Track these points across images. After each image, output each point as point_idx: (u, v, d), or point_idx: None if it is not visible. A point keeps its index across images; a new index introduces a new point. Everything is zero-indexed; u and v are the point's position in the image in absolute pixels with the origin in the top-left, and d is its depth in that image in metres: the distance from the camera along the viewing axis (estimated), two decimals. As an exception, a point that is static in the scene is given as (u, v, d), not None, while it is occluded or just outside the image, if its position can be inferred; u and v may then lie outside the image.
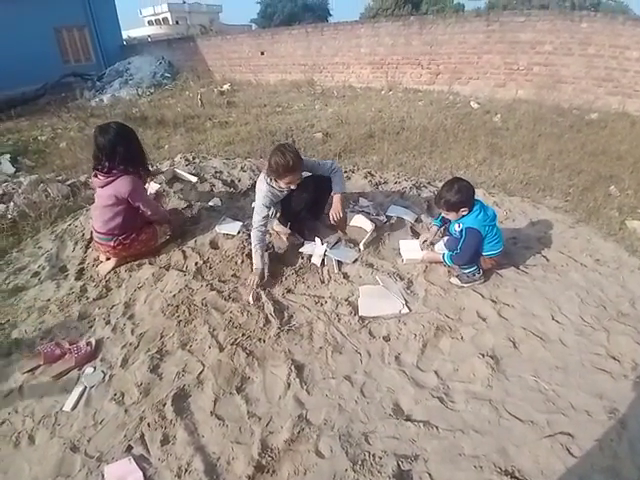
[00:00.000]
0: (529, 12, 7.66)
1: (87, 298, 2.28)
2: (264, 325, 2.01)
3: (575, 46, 6.96)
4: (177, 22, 41.34)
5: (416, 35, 8.84)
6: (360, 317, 2.06)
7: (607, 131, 5.25)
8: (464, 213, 2.21)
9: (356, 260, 2.51)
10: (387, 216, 2.92)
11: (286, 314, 2.10)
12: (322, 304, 2.17)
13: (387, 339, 1.94)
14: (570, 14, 7.24)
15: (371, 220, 2.76)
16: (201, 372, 1.76)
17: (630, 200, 3.33)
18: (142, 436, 1.52)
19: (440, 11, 20.49)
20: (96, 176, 2.39)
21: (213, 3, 47.01)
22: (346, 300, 2.19)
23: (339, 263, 2.49)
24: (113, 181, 2.35)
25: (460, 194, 2.17)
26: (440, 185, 3.47)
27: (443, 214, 2.34)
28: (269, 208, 2.46)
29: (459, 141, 4.89)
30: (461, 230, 2.22)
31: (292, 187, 2.41)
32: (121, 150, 2.33)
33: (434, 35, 8.57)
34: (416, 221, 2.92)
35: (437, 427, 1.52)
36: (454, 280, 2.31)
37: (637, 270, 2.41)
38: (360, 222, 2.79)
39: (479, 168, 4.01)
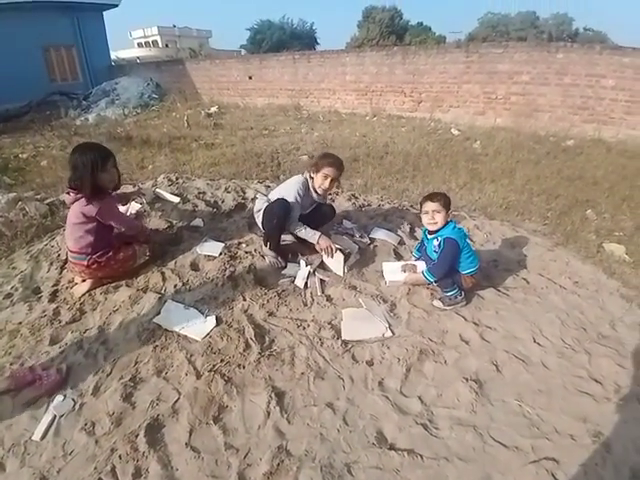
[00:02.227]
0: (507, 44, 8.04)
1: (60, 322, 2.17)
2: (244, 350, 1.95)
3: (551, 76, 7.30)
4: (167, 45, 42.04)
5: (399, 64, 9.17)
6: (343, 341, 2.03)
7: (583, 157, 5.46)
8: (449, 219, 2.31)
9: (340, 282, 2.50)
10: (370, 238, 2.93)
11: (267, 338, 2.04)
12: (304, 328, 2.13)
13: (370, 364, 1.90)
14: (547, 45, 7.63)
15: (354, 242, 2.77)
16: (176, 401, 1.68)
17: (607, 223, 3.43)
18: (113, 468, 1.43)
19: (422, 42, 21.48)
20: (68, 193, 2.34)
21: (203, 28, 48.12)
22: (329, 323, 2.16)
23: (322, 284, 2.47)
24: (82, 198, 2.28)
25: (447, 197, 2.33)
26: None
27: (427, 220, 2.33)
28: (299, 205, 2.61)
29: (440, 166, 5.01)
30: (439, 243, 2.26)
31: (328, 188, 2.66)
32: None
33: (416, 65, 8.91)
34: (399, 243, 2.94)
35: (421, 456, 1.48)
36: (437, 303, 2.31)
37: (616, 292, 2.46)
38: (344, 244, 2.79)
39: (460, 192, 4.09)
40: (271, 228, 2.59)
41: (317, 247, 2.58)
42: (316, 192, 2.68)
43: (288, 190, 2.61)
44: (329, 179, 2.60)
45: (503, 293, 2.43)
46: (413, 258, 2.61)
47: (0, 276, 2.62)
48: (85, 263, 2.34)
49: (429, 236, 2.39)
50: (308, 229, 2.59)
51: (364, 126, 7.98)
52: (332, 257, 2.54)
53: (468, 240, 2.40)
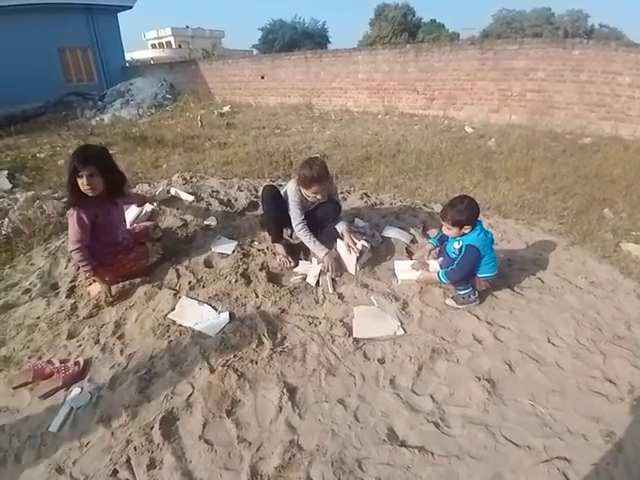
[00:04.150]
0: (522, 40, 7.90)
1: (77, 316, 2.24)
2: (257, 346, 1.97)
3: (567, 73, 7.16)
4: (180, 46, 42.44)
5: (412, 62, 9.09)
6: (354, 338, 2.03)
7: (600, 155, 5.34)
8: (466, 231, 2.22)
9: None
10: (383, 237, 2.93)
11: (279, 335, 2.07)
12: (316, 325, 2.14)
13: (382, 361, 1.91)
14: (562, 42, 7.46)
15: (367, 240, 2.76)
16: (191, 394, 1.72)
17: (624, 223, 3.36)
18: (128, 460, 1.47)
19: (435, 39, 21.27)
20: None
21: (216, 28, 48.41)
22: (340, 321, 2.17)
23: (334, 282, 2.48)
24: None
25: (468, 211, 2.18)
26: (436, 207, 3.53)
27: (444, 228, 2.32)
28: (302, 212, 2.64)
29: (454, 164, 4.96)
30: (460, 247, 2.22)
31: (319, 197, 2.61)
32: None
33: (429, 62, 8.82)
34: (411, 242, 2.93)
35: (432, 453, 1.48)
36: (449, 301, 2.29)
37: (632, 292, 2.41)
38: (359, 245, 2.79)
39: (474, 190, 4.04)
40: (265, 216, 2.73)
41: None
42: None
43: (286, 198, 2.65)
44: (319, 193, 2.59)
45: (517, 293, 2.40)
46: (429, 245, 2.57)
47: (19, 272, 2.70)
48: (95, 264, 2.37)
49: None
50: (317, 243, 2.60)
51: (376, 124, 7.95)
52: (333, 275, 2.53)
53: (494, 246, 2.33)
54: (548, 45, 7.36)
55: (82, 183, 2.18)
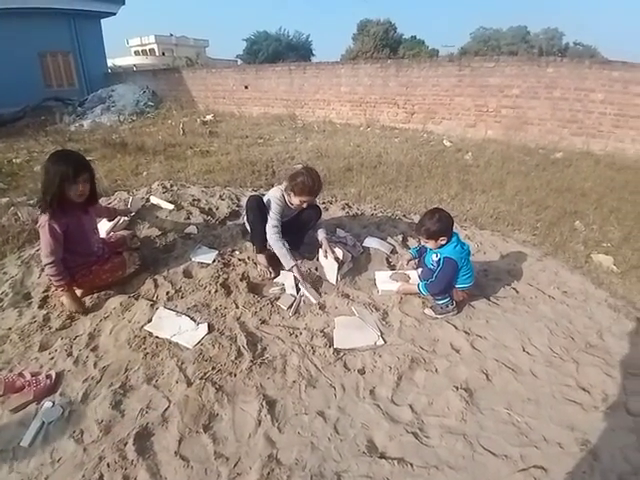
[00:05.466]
0: (498, 58, 8.21)
1: (50, 328, 2.16)
2: (236, 358, 1.94)
3: (541, 90, 7.46)
4: (163, 53, 42.13)
5: (393, 77, 9.31)
6: (335, 349, 2.03)
7: (572, 169, 5.56)
8: (442, 242, 2.26)
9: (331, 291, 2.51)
10: (363, 247, 2.95)
11: (259, 346, 2.04)
12: (297, 336, 2.13)
13: (362, 372, 1.91)
14: (537, 60, 7.79)
15: (347, 251, 2.78)
16: (166, 409, 1.67)
17: (595, 234, 3.49)
18: (101, 477, 1.41)
19: (416, 55, 21.83)
20: None
21: (200, 37, 48.36)
22: (321, 331, 2.16)
23: (313, 292, 2.48)
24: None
25: (440, 223, 2.23)
26: (415, 218, 3.59)
27: (422, 242, 2.38)
28: (281, 219, 2.63)
29: (433, 176, 5.07)
30: (439, 260, 2.27)
31: (304, 206, 2.63)
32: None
33: (410, 77, 9.05)
34: (392, 252, 2.96)
35: (411, 464, 1.48)
36: (428, 311, 2.32)
37: (604, 302, 2.49)
38: (336, 253, 2.80)
39: (451, 202, 4.14)
40: (251, 226, 2.70)
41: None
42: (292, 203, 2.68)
43: (269, 204, 2.65)
44: (306, 203, 2.62)
45: (493, 302, 2.46)
46: (408, 254, 2.63)
47: (-10, 281, 2.60)
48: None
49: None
50: (288, 255, 2.51)
51: (358, 136, 8.06)
52: (306, 287, 2.50)
53: (470, 257, 2.39)
54: (523, 63, 7.66)
55: (77, 189, 2.16)
